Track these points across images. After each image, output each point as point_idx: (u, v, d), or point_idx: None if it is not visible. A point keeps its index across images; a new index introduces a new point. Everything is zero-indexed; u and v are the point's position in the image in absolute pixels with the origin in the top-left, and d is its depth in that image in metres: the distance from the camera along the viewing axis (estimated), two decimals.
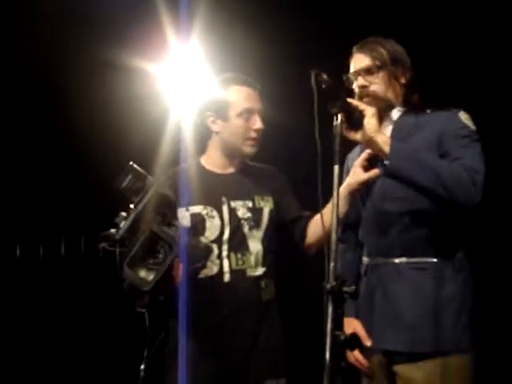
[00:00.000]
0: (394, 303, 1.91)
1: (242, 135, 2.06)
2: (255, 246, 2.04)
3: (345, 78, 2.01)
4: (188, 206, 2.03)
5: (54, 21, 3.48)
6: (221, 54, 3.42)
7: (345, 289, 1.51)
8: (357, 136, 1.75)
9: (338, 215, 1.56)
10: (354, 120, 1.71)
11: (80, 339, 3.89)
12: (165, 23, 3.39)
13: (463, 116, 1.92)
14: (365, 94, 1.96)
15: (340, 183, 1.62)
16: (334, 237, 1.55)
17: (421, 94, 2.04)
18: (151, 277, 1.73)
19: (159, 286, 1.74)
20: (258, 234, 2.05)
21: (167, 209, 1.81)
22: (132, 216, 1.76)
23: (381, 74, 1.97)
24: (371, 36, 2.04)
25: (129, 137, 3.71)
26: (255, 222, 2.04)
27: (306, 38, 3.49)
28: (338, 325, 1.51)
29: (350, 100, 1.70)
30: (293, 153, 3.25)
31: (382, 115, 1.96)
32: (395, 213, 1.93)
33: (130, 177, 1.79)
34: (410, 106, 2.00)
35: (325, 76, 1.60)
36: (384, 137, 1.78)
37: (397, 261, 1.93)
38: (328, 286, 1.50)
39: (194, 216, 2.04)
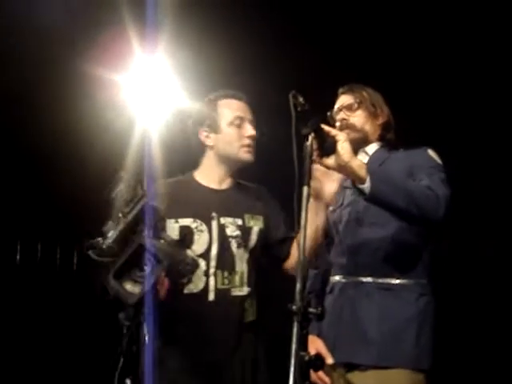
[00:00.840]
0: (361, 320, 2.02)
1: (235, 143, 2.06)
2: (241, 265, 2.02)
3: (328, 115, 2.22)
4: (177, 218, 2.01)
5: (19, 31, 3.44)
6: (187, 65, 3.44)
7: (310, 310, 1.52)
8: (330, 162, 1.77)
9: (305, 237, 1.56)
10: (327, 146, 1.72)
11: (55, 344, 3.92)
12: (130, 33, 3.37)
13: (431, 152, 2.11)
14: (344, 126, 2.17)
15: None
16: (301, 258, 1.55)
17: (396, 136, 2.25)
18: (137, 290, 1.69)
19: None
20: (245, 253, 2.03)
21: (156, 221, 1.77)
22: (121, 226, 1.73)
23: (360, 111, 2.20)
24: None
25: (94, 145, 3.71)
26: (243, 240, 2.03)
27: (274, 51, 3.54)
28: (303, 345, 1.52)
29: (323, 126, 1.72)
30: (268, 171, 3.26)
31: (357, 148, 2.13)
32: (365, 233, 2.08)
33: (121, 186, 1.78)
34: (384, 143, 2.21)
35: (301, 99, 1.62)
36: (358, 161, 1.82)
37: (365, 280, 2.06)
38: (294, 307, 1.51)
39: (182, 228, 2.01)
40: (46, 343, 3.92)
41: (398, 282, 2.05)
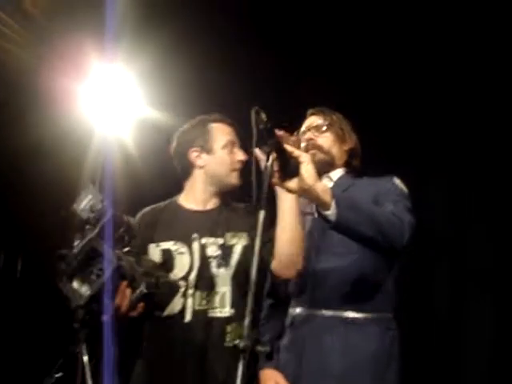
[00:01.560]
0: (323, 355, 1.95)
1: (227, 166, 2.05)
2: (222, 285, 1.95)
3: (295, 135, 2.12)
4: (159, 242, 2.01)
5: None
6: (148, 73, 3.52)
7: (259, 348, 1.44)
8: (292, 184, 1.61)
9: (258, 264, 1.46)
10: (289, 168, 1.57)
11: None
12: (89, 41, 3.39)
13: (397, 180, 2.09)
14: (311, 146, 2.11)
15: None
16: (252, 289, 1.43)
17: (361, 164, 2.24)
18: (86, 291, 1.67)
19: (97, 303, 1.67)
20: (228, 272, 1.95)
21: (124, 232, 1.76)
22: (88, 237, 1.71)
23: (329, 133, 2.16)
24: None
25: (50, 155, 3.68)
26: (224, 260, 1.96)
27: (237, 64, 3.51)
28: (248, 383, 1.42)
29: (285, 145, 1.57)
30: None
31: (322, 171, 2.07)
32: (328, 266, 2.00)
33: (88, 198, 1.73)
34: (349, 169, 2.18)
35: (263, 116, 1.50)
36: (323, 185, 1.66)
37: (326, 314, 1.98)
38: (241, 344, 1.39)
39: (163, 252, 2.00)
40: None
41: (362, 315, 1.98)
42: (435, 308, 3.25)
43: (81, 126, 3.65)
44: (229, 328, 1.91)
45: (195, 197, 2.08)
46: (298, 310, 2.05)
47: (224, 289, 1.95)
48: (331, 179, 2.15)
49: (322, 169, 2.07)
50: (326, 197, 1.61)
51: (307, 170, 1.58)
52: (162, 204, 2.13)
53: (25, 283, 4.04)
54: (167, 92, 3.56)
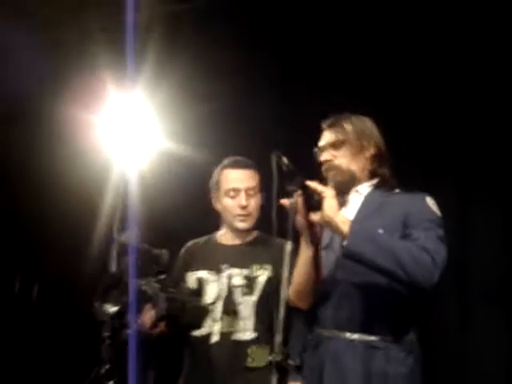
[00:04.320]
0: (345, 376, 1.91)
1: (230, 212, 2.30)
2: (246, 311, 2.17)
3: (315, 151, 2.10)
4: (196, 271, 2.30)
5: None
6: (166, 105, 3.51)
7: (290, 362, 1.59)
8: (315, 217, 1.80)
9: (286, 289, 1.65)
10: (313, 202, 1.77)
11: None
12: (109, 75, 3.43)
13: (430, 201, 1.99)
14: (329, 168, 2.05)
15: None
16: (281, 310, 1.62)
17: (393, 165, 2.12)
18: (112, 308, 2.01)
19: (120, 319, 2.02)
20: (251, 299, 2.18)
21: (152, 263, 2.10)
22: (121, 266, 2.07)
23: (344, 148, 2.05)
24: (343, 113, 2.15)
25: (69, 185, 3.75)
26: (248, 288, 2.20)
27: (256, 92, 3.53)
28: None
29: (308, 182, 1.77)
30: None
31: (347, 188, 2.04)
32: (353, 287, 1.96)
33: (128, 232, 2.09)
34: (378, 182, 2.07)
35: (285, 159, 1.69)
36: (342, 217, 1.81)
37: (351, 336, 1.94)
38: (273, 358, 1.57)
39: (198, 280, 2.28)
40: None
41: (385, 339, 1.93)
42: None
43: (100, 157, 3.63)
44: (250, 350, 2.15)
45: (224, 234, 2.34)
46: (320, 330, 2.01)
47: (247, 314, 2.18)
48: (360, 193, 2.06)
49: (346, 186, 2.04)
50: (345, 228, 1.77)
51: (329, 204, 1.77)
52: (203, 238, 2.39)
53: (41, 308, 4.05)
54: (185, 125, 3.58)
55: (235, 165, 2.33)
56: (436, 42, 3.19)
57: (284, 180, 1.70)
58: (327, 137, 2.09)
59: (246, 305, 2.20)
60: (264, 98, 3.51)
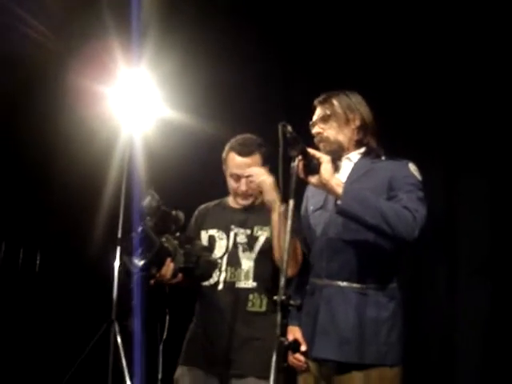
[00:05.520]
0: (335, 319, 2.19)
1: (233, 192, 2.55)
2: (247, 263, 2.46)
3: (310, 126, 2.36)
4: (207, 229, 2.57)
5: (8, 41, 3.56)
6: (171, 78, 3.67)
7: (291, 302, 1.83)
8: (313, 180, 2.06)
9: (289, 242, 1.87)
10: (312, 166, 2.03)
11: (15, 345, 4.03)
12: (115, 46, 3.60)
13: (412, 167, 2.24)
14: (320, 139, 2.32)
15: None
16: (285, 257, 1.86)
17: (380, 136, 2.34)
18: (139, 262, 2.27)
19: (146, 271, 2.29)
20: (251, 255, 2.47)
21: (172, 223, 2.36)
22: (144, 226, 2.29)
23: (331, 121, 2.30)
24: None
25: (76, 154, 3.92)
26: (249, 246, 2.48)
27: (258, 65, 3.71)
28: (283, 332, 1.82)
29: (308, 149, 2.02)
30: None
31: (338, 156, 2.30)
32: (344, 242, 2.22)
33: (148, 198, 2.30)
34: (366, 150, 2.31)
35: (289, 128, 1.93)
36: (337, 180, 2.07)
37: (342, 284, 2.21)
38: (278, 298, 1.82)
39: (209, 237, 2.56)
40: (6, 344, 4.02)
41: (373, 287, 2.18)
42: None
43: (107, 125, 3.80)
44: (251, 296, 2.45)
45: (234, 198, 2.58)
46: (315, 279, 2.28)
47: (248, 266, 2.47)
48: (351, 160, 2.31)
49: (337, 154, 2.28)
50: (339, 189, 2.04)
51: (325, 168, 2.04)
52: (213, 202, 2.66)
53: (43, 278, 4.24)
54: (188, 94, 3.74)
55: (241, 151, 2.47)
56: (422, 26, 3.43)
57: (287, 146, 1.95)
58: (318, 112, 2.35)
59: (247, 259, 2.48)
60: (269, 64, 3.64)
